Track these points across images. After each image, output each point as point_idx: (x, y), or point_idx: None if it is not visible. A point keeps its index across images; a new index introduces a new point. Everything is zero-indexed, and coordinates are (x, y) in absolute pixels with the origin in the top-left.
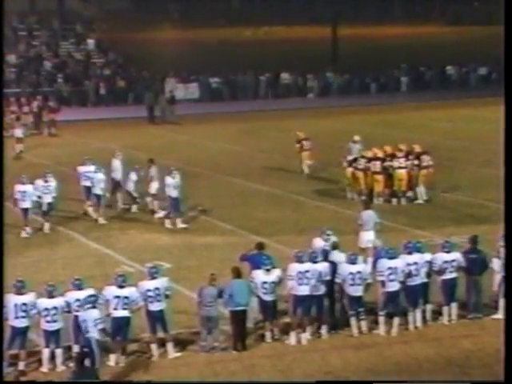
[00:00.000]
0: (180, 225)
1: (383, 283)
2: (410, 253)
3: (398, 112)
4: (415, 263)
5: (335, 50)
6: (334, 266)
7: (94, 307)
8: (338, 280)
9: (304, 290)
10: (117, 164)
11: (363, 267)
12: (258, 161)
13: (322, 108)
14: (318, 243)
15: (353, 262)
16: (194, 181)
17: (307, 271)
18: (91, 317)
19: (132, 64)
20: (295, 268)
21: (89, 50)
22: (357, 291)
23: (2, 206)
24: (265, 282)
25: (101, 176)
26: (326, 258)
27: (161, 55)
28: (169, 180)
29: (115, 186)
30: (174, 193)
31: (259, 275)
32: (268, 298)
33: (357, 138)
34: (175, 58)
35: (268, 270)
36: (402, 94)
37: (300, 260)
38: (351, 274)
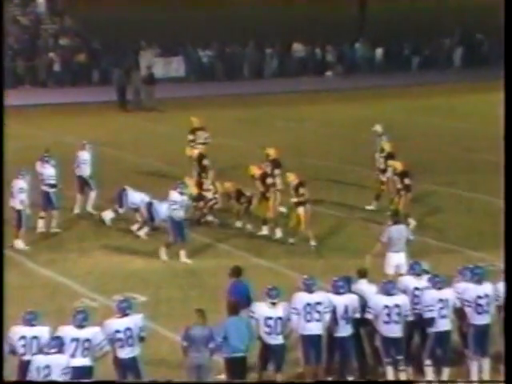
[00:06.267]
0: (184, 258)
1: (432, 320)
2: (479, 281)
3: (447, 94)
4: (486, 295)
5: (364, 14)
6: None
7: (59, 352)
8: (369, 316)
9: (314, 329)
10: (85, 158)
11: (403, 299)
12: (262, 160)
13: (347, 90)
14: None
15: (389, 292)
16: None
17: (318, 303)
18: (58, 364)
19: (95, 32)
20: (302, 299)
21: (38, 14)
22: (394, 331)
23: (1, 205)
24: (269, 318)
25: (21, 184)
26: (349, 288)
27: (134, 20)
28: (175, 196)
29: (82, 185)
30: (179, 213)
31: (262, 308)
32: (273, 340)
33: (378, 128)
34: (153, 22)
35: (274, 304)
36: (454, 71)
37: (309, 289)
38: (387, 307)
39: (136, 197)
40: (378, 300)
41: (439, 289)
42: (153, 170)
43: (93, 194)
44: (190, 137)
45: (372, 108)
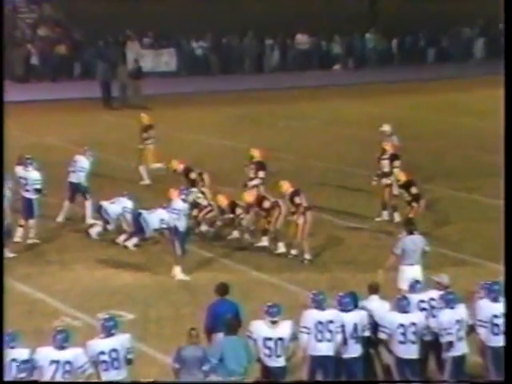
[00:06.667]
0: (179, 275)
1: (450, 343)
2: (495, 299)
3: (466, 90)
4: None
5: (375, 2)
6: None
7: (30, 376)
8: (382, 336)
9: (326, 350)
10: (84, 165)
11: (419, 317)
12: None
13: (355, 85)
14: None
15: (404, 309)
16: (166, 191)
17: (331, 321)
18: None
19: (77, 21)
20: (313, 316)
21: (15, 1)
22: (410, 352)
23: (1, 205)
24: (269, 339)
25: (6, 193)
26: (356, 305)
27: (120, 8)
28: (178, 203)
29: (73, 193)
30: (181, 223)
31: (261, 328)
32: (273, 363)
33: (387, 128)
34: (142, 11)
35: (274, 322)
36: (475, 64)
37: (320, 305)
38: (402, 326)
39: (115, 208)
40: (392, 318)
41: (452, 308)
42: (139, 174)
43: (88, 204)
44: (145, 135)
45: (383, 105)
